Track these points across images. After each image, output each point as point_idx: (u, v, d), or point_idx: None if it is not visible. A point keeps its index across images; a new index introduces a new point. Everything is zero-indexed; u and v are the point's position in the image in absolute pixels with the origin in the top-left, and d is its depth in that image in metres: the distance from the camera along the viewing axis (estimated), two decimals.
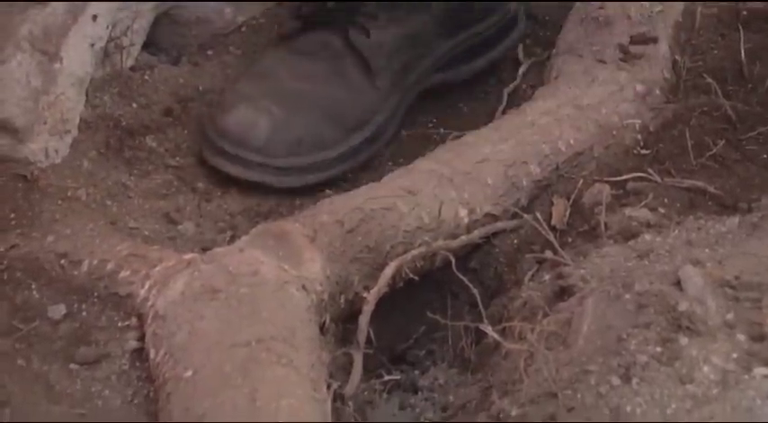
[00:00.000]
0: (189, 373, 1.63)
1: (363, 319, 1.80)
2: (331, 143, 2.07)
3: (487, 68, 2.27)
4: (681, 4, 2.27)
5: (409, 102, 2.16)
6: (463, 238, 1.93)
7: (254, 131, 2.01)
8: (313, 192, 2.10)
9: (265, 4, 2.32)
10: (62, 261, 1.85)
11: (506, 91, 2.21)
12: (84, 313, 1.81)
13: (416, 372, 1.99)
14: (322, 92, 2.06)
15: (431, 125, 2.23)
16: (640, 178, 2.00)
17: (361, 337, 1.78)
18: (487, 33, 2.26)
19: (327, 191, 2.11)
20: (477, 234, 1.95)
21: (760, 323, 1.65)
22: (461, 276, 1.89)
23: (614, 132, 2.10)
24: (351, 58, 2.10)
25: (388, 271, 1.85)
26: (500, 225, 1.99)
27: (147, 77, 2.18)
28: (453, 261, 1.87)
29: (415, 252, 1.89)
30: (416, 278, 1.89)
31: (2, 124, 1.94)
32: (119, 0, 2.08)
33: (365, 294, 1.83)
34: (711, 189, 1.97)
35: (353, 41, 2.09)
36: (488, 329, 1.76)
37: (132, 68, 2.17)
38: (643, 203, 1.95)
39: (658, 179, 1.99)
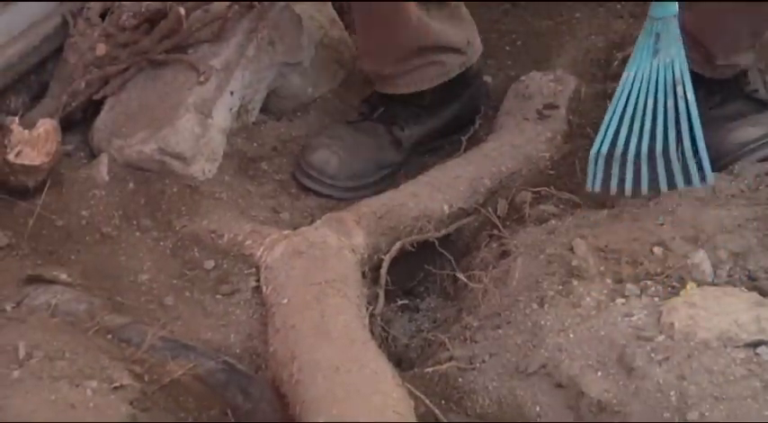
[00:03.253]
0: (285, 301, 1.72)
1: (383, 270, 1.88)
2: (370, 174, 2.17)
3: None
4: (573, 85, 2.29)
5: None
6: (442, 230, 1.99)
7: (329, 165, 2.12)
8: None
9: (334, 84, 2.38)
10: (212, 235, 1.91)
11: (464, 138, 2.26)
12: (225, 265, 1.88)
13: (418, 300, 2.05)
14: (369, 152, 2.17)
15: (427, 157, 2.26)
16: (548, 189, 2.04)
17: (382, 280, 1.88)
18: (467, 133, 2.30)
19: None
20: (452, 227, 2.01)
21: (619, 272, 1.72)
22: (442, 250, 1.96)
23: (534, 161, 2.15)
24: (389, 139, 2.21)
25: (397, 245, 1.92)
26: (465, 220, 2.04)
27: (261, 128, 2.22)
28: (436, 243, 1.97)
29: (414, 237, 1.95)
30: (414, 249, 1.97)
31: (178, 155, 2.01)
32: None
33: (384, 256, 1.91)
34: (576, 199, 1.99)
35: (393, 132, 2.21)
36: (460, 275, 1.89)
37: (254, 123, 2.22)
38: (550, 202, 2.01)
39: (554, 191, 2.03)
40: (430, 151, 2.28)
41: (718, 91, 2.12)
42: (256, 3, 2.14)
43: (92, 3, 2.10)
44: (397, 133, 2.21)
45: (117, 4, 2.09)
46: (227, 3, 2.11)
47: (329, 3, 2.36)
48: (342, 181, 2.12)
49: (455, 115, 2.28)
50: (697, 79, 2.07)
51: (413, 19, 2.11)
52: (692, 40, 2.02)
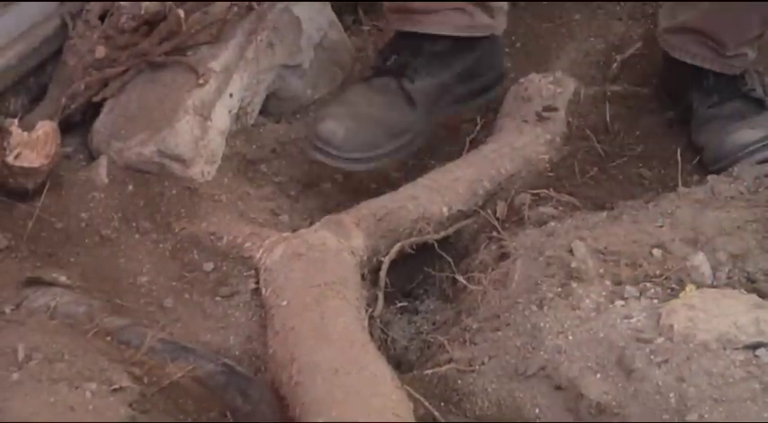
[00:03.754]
0: (285, 303, 1.72)
1: (382, 272, 1.89)
2: (382, 144, 2.09)
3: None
4: (572, 87, 2.29)
5: (433, 123, 2.21)
6: (442, 232, 2.00)
7: (336, 136, 2.04)
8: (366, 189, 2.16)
9: (333, 86, 2.39)
10: (211, 237, 1.92)
11: (468, 139, 2.25)
12: (224, 268, 1.89)
13: (417, 302, 2.05)
14: (381, 114, 2.10)
15: (425, 159, 2.26)
16: (547, 191, 2.05)
17: (382, 282, 1.88)
18: (484, 83, 2.28)
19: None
20: (451, 229, 2.01)
21: (618, 274, 1.72)
22: (441, 252, 1.97)
23: (533, 163, 2.15)
24: (401, 94, 2.14)
25: (396, 247, 1.93)
26: (465, 222, 2.04)
27: (261, 130, 2.22)
28: (436, 245, 1.97)
29: (413, 239, 1.96)
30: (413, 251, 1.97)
31: (178, 158, 2.01)
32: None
33: (383, 258, 1.91)
34: (576, 201, 2.02)
35: (404, 85, 2.14)
36: (460, 277, 1.90)
37: (253, 125, 2.21)
38: (549, 204, 2.01)
39: (553, 193, 2.04)
40: (446, 124, 2.24)
41: (716, 90, 2.16)
42: (255, 5, 2.14)
43: (91, 5, 2.10)
44: (408, 86, 2.14)
45: (116, 6, 2.08)
46: (227, 5, 2.11)
47: (328, 4, 2.35)
48: (348, 152, 2.06)
49: (468, 67, 2.23)
50: (696, 78, 2.17)
51: None
52: (701, 36, 2.10)
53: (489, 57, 2.27)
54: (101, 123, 2.06)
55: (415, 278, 2.05)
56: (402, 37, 2.18)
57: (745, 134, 2.05)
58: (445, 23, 2.15)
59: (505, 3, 2.24)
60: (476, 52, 2.23)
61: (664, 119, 2.26)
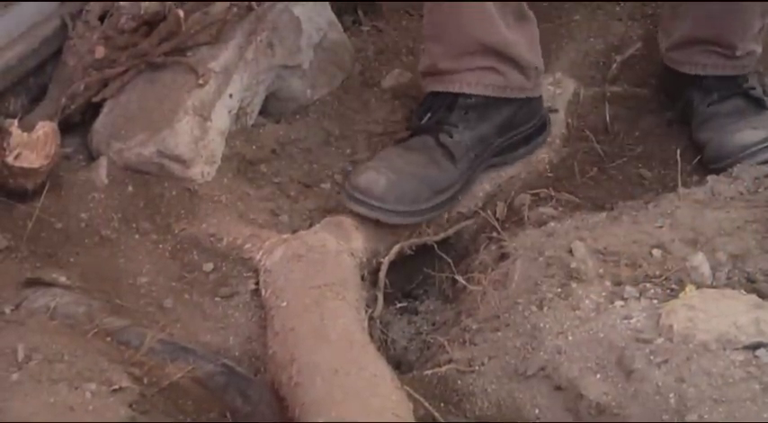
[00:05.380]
0: (284, 304, 1.73)
1: (382, 273, 1.91)
2: (424, 199, 1.98)
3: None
4: (572, 87, 2.31)
5: (475, 178, 2.10)
6: (441, 234, 2.01)
7: (376, 186, 1.94)
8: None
9: (333, 87, 2.37)
10: (211, 238, 1.92)
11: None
12: (224, 268, 1.89)
13: (417, 303, 2.06)
14: (421, 170, 2.00)
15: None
16: (547, 191, 2.06)
17: (381, 283, 1.90)
18: (527, 132, 2.16)
19: None
20: (451, 230, 2.03)
21: (618, 275, 1.73)
22: (441, 253, 1.98)
23: (533, 164, 2.17)
24: (441, 150, 2.04)
25: (396, 248, 1.94)
26: (464, 223, 2.06)
27: (260, 131, 2.21)
28: (436, 246, 1.98)
29: (413, 240, 1.98)
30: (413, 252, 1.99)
31: (177, 158, 2.01)
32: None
33: (383, 259, 1.93)
34: (575, 201, 2.03)
35: (442, 141, 2.04)
36: (459, 278, 1.90)
37: (252, 125, 2.21)
38: (549, 205, 2.03)
39: (553, 193, 2.05)
40: (493, 167, 2.13)
41: (715, 88, 2.17)
42: (255, 5, 2.14)
43: (91, 5, 2.10)
44: (446, 141, 2.03)
45: (116, 6, 2.08)
46: (226, 5, 2.11)
47: (328, 5, 2.35)
48: (391, 203, 1.94)
49: (507, 118, 2.12)
50: (695, 77, 2.18)
51: (486, 11, 2.03)
52: (706, 45, 2.13)
53: (530, 106, 2.17)
54: (100, 124, 2.06)
55: (414, 279, 2.05)
56: (434, 96, 2.11)
57: (748, 135, 2.05)
58: (476, 84, 2.08)
59: (541, 65, 2.16)
60: (513, 104, 2.13)
61: (663, 119, 2.27)
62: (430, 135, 2.06)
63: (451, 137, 2.04)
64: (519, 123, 2.14)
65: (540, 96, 2.20)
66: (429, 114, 2.09)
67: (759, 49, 2.20)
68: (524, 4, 2.10)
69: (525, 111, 2.15)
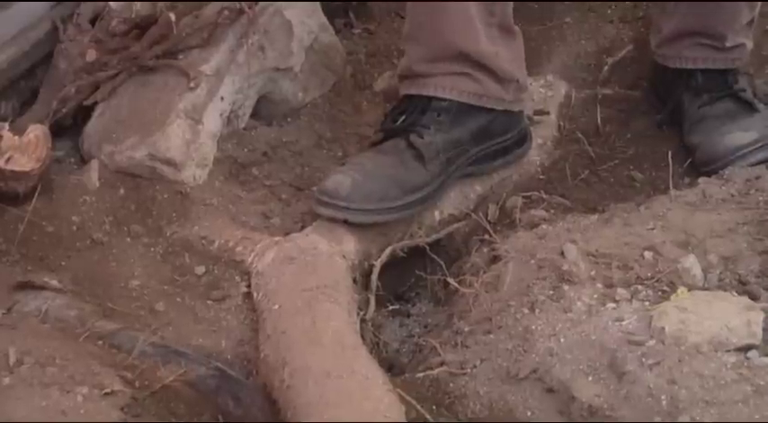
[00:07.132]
0: (276, 307, 1.73)
1: (374, 276, 1.90)
2: (392, 198, 1.96)
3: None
4: (563, 90, 2.31)
5: (449, 183, 2.06)
6: (433, 236, 2.01)
7: (342, 187, 1.92)
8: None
9: (324, 90, 2.36)
10: (203, 241, 1.93)
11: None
12: (216, 271, 1.90)
13: (409, 305, 2.07)
14: (389, 170, 1.98)
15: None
16: (539, 193, 2.07)
17: (373, 285, 1.89)
18: (505, 144, 2.12)
19: None
20: (443, 232, 2.03)
21: (610, 277, 1.73)
22: (433, 255, 1.98)
23: (525, 166, 2.17)
24: (411, 152, 2.01)
25: (388, 251, 1.94)
26: (456, 225, 2.06)
27: (252, 134, 2.22)
28: (427, 248, 1.98)
29: (404, 242, 1.97)
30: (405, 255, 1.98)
31: (169, 161, 2.01)
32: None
33: (375, 262, 1.92)
34: (567, 204, 2.04)
35: (412, 141, 2.01)
36: (451, 281, 1.89)
37: (244, 128, 2.22)
38: (541, 207, 2.03)
39: (545, 195, 2.06)
40: (468, 176, 2.10)
41: (705, 90, 2.18)
42: (246, 8, 2.13)
43: (82, 8, 2.10)
44: (416, 141, 2.01)
45: (107, 9, 2.08)
46: (218, 8, 2.11)
47: (319, 8, 2.34)
48: (357, 202, 1.92)
49: (483, 126, 2.09)
50: (685, 79, 2.20)
51: (468, 18, 2.01)
52: (696, 37, 2.15)
53: (509, 117, 2.13)
54: (92, 127, 2.06)
55: (406, 281, 2.05)
56: (409, 98, 2.09)
57: (738, 137, 2.05)
58: (451, 88, 2.05)
59: (523, 80, 2.12)
60: (490, 113, 2.09)
61: (655, 121, 2.27)
62: (402, 137, 2.04)
63: (422, 137, 2.02)
64: (496, 133, 2.11)
65: (521, 111, 2.17)
66: (403, 117, 2.07)
67: (749, 44, 2.20)
68: (511, 18, 2.08)
69: (503, 121, 2.12)
